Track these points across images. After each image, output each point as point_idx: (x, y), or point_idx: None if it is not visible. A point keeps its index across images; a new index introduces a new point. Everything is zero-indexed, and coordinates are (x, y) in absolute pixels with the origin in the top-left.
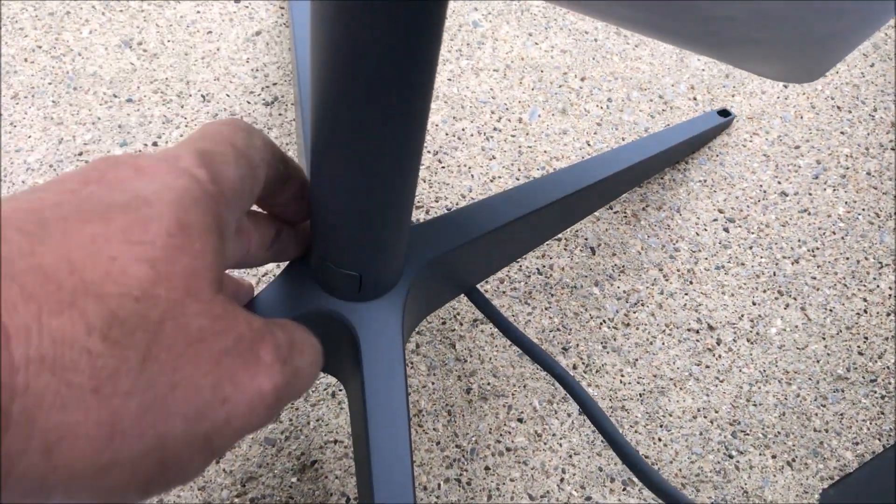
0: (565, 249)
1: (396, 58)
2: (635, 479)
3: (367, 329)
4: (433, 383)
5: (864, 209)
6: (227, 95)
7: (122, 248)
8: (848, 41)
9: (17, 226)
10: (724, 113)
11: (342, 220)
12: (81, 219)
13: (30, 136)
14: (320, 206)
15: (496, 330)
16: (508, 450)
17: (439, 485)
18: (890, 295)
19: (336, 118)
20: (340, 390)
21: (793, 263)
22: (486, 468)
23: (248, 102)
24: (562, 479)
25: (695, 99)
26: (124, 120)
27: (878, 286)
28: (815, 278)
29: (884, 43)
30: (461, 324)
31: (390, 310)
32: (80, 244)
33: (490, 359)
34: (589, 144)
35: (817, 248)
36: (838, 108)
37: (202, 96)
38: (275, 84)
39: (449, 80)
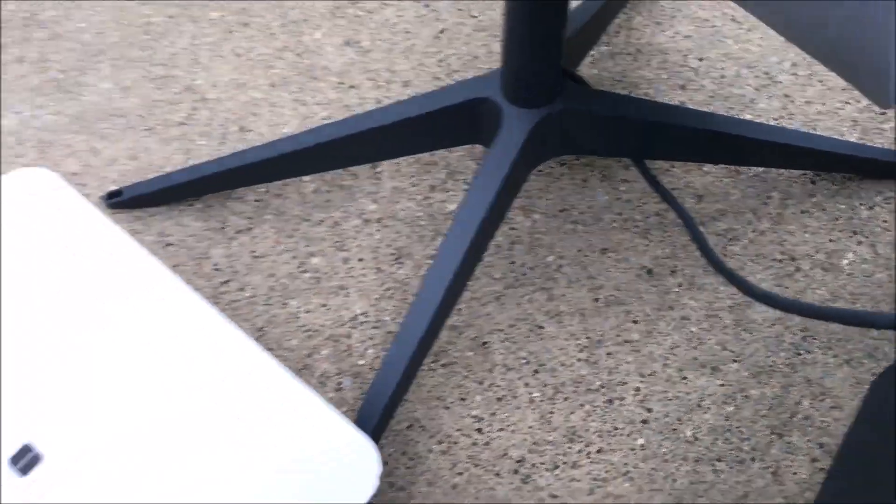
0: (680, 197)
1: None
2: (720, 367)
3: (509, 116)
4: (566, 294)
5: None
6: (422, 81)
7: None
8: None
9: None
10: None
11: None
12: None
13: (283, 114)
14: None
15: (620, 255)
16: (626, 342)
17: (572, 363)
18: None
19: None
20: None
21: (868, 209)
22: (608, 353)
23: (435, 85)
24: (665, 364)
25: (796, 74)
26: (349, 101)
27: None
28: (885, 221)
29: None
30: (592, 251)
31: (529, 114)
32: None
33: (614, 278)
34: None
35: (891, 197)
36: None
37: (403, 82)
38: (456, 71)
39: (590, 62)
